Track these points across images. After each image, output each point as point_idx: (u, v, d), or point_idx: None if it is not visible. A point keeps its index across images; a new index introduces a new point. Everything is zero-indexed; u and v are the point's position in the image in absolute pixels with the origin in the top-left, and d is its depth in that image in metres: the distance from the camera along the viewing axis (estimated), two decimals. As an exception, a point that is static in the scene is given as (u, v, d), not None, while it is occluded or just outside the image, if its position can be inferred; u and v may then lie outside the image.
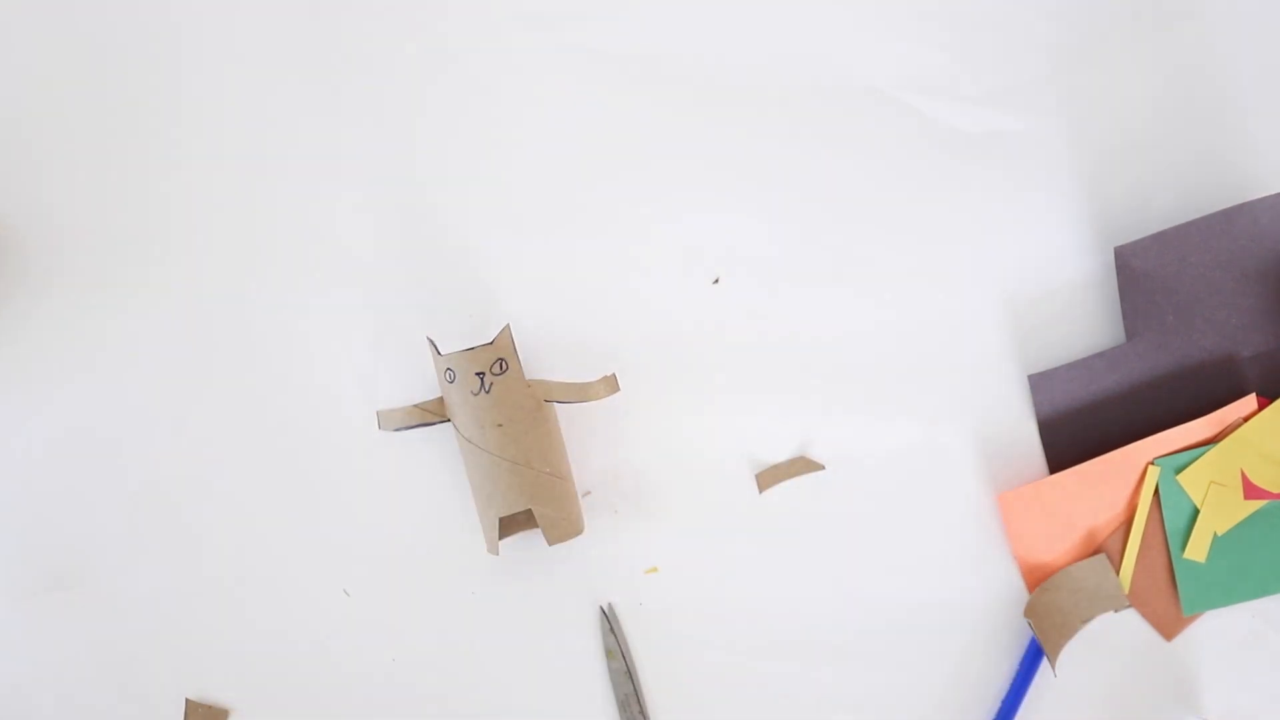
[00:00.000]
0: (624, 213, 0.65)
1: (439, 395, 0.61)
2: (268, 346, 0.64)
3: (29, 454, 0.64)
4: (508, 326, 0.60)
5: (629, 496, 0.64)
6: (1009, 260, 0.64)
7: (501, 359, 0.59)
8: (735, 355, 0.64)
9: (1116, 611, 0.63)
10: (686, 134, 0.65)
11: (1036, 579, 0.63)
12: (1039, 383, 0.63)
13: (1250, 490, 0.61)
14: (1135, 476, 0.62)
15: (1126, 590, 0.62)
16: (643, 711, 0.63)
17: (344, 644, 0.63)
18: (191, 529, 0.64)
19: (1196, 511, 0.62)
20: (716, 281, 0.65)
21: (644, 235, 0.65)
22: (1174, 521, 0.62)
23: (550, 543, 0.60)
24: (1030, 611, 0.62)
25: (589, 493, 0.64)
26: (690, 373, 0.64)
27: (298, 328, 0.64)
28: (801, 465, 0.64)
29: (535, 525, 0.62)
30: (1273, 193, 0.62)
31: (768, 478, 0.64)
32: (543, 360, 0.64)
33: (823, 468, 0.64)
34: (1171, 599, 0.63)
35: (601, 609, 0.63)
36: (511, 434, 0.59)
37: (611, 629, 0.63)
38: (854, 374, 0.64)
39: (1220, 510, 0.61)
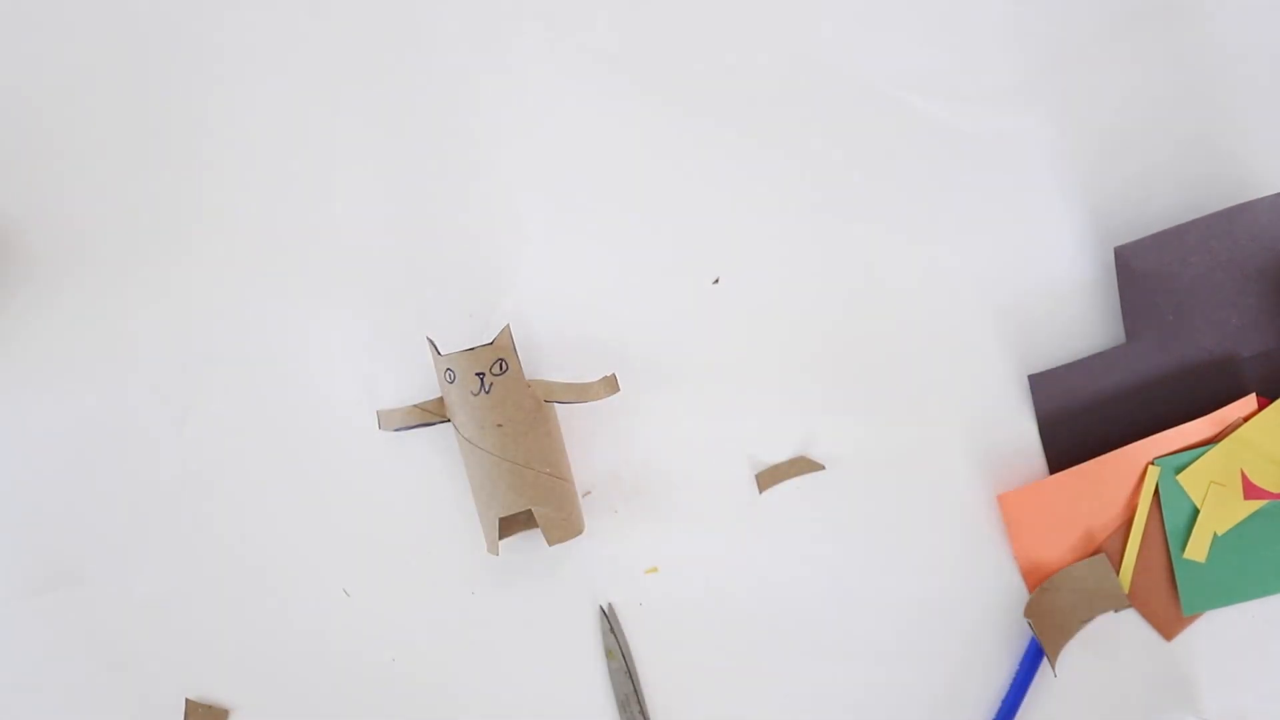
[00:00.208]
0: (624, 212, 0.65)
1: (439, 395, 0.61)
2: (268, 346, 0.64)
3: (30, 453, 0.64)
4: (508, 326, 0.60)
5: (629, 496, 0.64)
6: (1009, 260, 0.64)
7: (501, 359, 0.59)
8: (735, 355, 0.64)
9: (1116, 611, 0.63)
10: (686, 134, 0.65)
11: (1036, 579, 0.63)
12: (1039, 383, 0.63)
13: (1250, 490, 0.61)
14: (1135, 476, 0.62)
15: (1126, 590, 0.62)
16: (643, 711, 0.63)
17: (344, 644, 0.63)
18: (192, 529, 0.64)
19: (1196, 511, 0.62)
20: (716, 281, 0.65)
21: (644, 235, 0.65)
22: (1174, 521, 0.62)
23: (550, 543, 0.60)
24: (1030, 611, 0.62)
25: (589, 493, 0.64)
26: (690, 373, 0.64)
27: (298, 327, 0.64)
28: (801, 465, 0.64)
29: (535, 525, 0.62)
30: (1273, 193, 0.62)
31: (768, 478, 0.64)
32: (543, 360, 0.64)
33: (823, 468, 0.64)
34: (1171, 599, 0.63)
35: (601, 609, 0.63)
36: (511, 434, 0.59)
37: (611, 629, 0.63)
38: (854, 374, 0.64)
39: (1220, 510, 0.61)
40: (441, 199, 0.65)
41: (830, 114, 0.65)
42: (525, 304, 0.64)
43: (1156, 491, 0.62)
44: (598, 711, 0.63)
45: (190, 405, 0.64)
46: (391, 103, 0.65)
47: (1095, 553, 0.63)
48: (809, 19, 0.65)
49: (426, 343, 0.63)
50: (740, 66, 0.65)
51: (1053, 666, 0.61)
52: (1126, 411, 0.63)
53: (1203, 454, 0.62)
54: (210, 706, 0.63)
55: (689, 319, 0.64)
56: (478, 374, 0.59)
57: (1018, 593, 0.63)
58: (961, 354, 0.64)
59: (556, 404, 0.61)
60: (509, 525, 0.62)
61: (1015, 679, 0.62)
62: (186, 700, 0.63)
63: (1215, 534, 0.62)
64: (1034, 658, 0.62)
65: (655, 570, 0.64)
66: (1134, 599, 0.63)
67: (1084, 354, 0.64)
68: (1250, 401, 0.62)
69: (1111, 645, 0.63)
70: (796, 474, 0.64)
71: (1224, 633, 0.63)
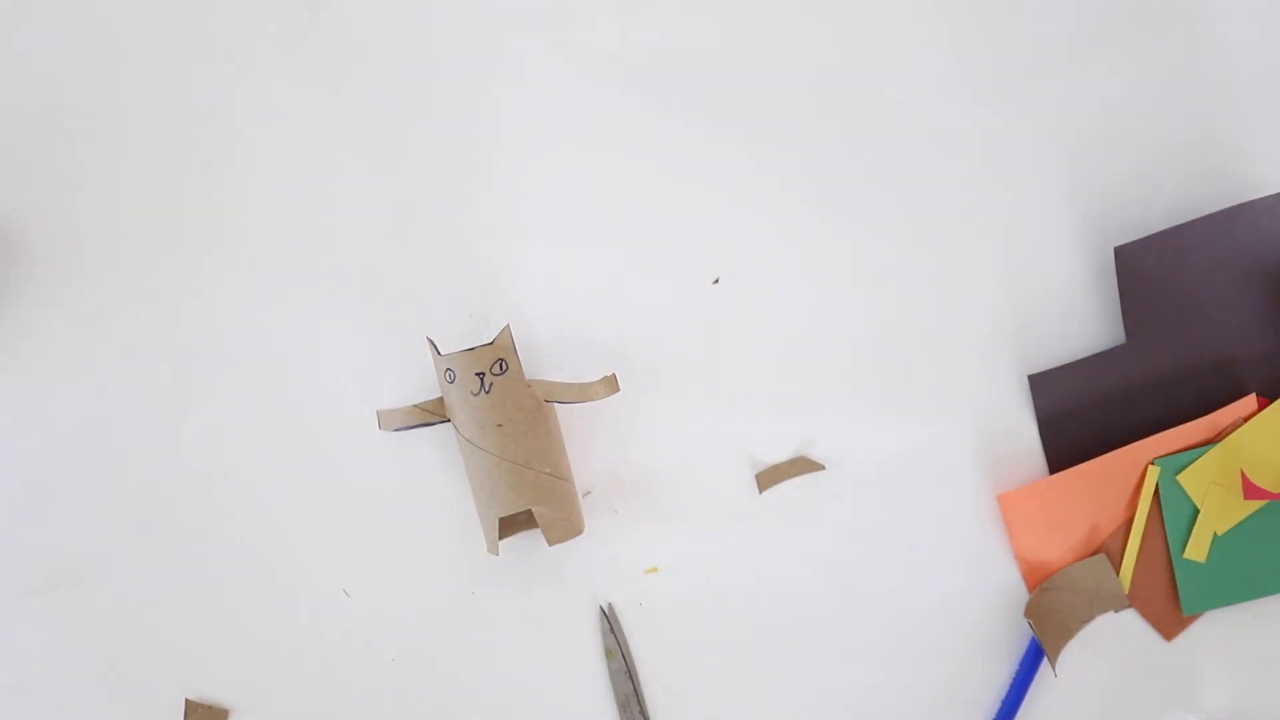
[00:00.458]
0: (624, 212, 0.65)
1: (439, 395, 0.61)
2: (268, 346, 0.64)
3: (30, 453, 0.64)
4: (508, 326, 0.60)
5: (629, 496, 0.64)
6: (1009, 260, 0.64)
7: (501, 359, 0.59)
8: (735, 355, 0.64)
9: (1116, 611, 0.63)
10: (686, 134, 0.65)
11: (1036, 579, 0.63)
12: (1039, 383, 0.63)
13: (1250, 490, 0.61)
14: (1135, 476, 0.62)
15: (1126, 590, 0.62)
16: (643, 711, 0.63)
17: (344, 644, 0.63)
18: (191, 529, 0.64)
19: (1196, 511, 0.62)
20: (716, 281, 0.65)
21: (644, 235, 0.65)
22: (1174, 521, 0.62)
23: (550, 543, 0.60)
24: (1030, 611, 0.62)
25: (589, 493, 0.64)
26: (690, 373, 0.64)
27: (298, 327, 0.64)
28: (801, 465, 0.64)
29: (535, 525, 0.62)
30: (1273, 193, 0.62)
31: (768, 478, 0.64)
32: (543, 360, 0.64)
33: (823, 468, 0.64)
34: (1171, 599, 0.63)
35: (601, 609, 0.63)
36: (511, 434, 0.59)
37: (611, 629, 0.63)
38: (854, 374, 0.64)
39: (1220, 510, 0.61)
40: (442, 199, 0.65)
41: (831, 114, 0.65)
42: (525, 304, 0.64)
43: (1156, 491, 0.62)
44: (598, 711, 0.63)
45: (190, 405, 0.64)
46: (392, 103, 0.65)
47: (1095, 553, 0.63)
48: (809, 20, 0.65)
49: (426, 343, 0.63)
50: (740, 67, 0.65)
51: (1053, 666, 0.61)
52: (1126, 411, 0.63)
53: (1203, 454, 0.62)
54: (210, 706, 0.63)
55: (689, 319, 0.64)
56: (478, 374, 0.59)
57: (1018, 593, 0.63)
58: (961, 354, 0.64)
59: (556, 404, 0.61)
60: (509, 525, 0.62)
61: (1015, 679, 0.62)
62: (186, 700, 0.63)
63: (1215, 534, 0.62)
64: (1034, 658, 0.62)
65: (655, 570, 0.64)
66: (1134, 599, 0.62)
67: (1084, 354, 0.64)
68: (1250, 402, 0.62)
69: (1111, 645, 0.63)
70: (796, 474, 0.64)
71: (1224, 633, 0.63)
